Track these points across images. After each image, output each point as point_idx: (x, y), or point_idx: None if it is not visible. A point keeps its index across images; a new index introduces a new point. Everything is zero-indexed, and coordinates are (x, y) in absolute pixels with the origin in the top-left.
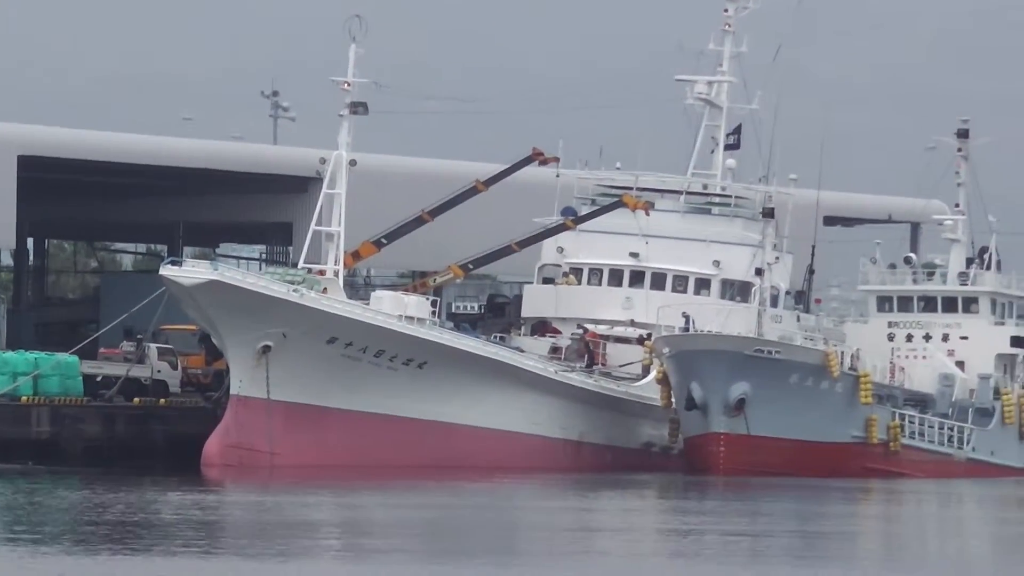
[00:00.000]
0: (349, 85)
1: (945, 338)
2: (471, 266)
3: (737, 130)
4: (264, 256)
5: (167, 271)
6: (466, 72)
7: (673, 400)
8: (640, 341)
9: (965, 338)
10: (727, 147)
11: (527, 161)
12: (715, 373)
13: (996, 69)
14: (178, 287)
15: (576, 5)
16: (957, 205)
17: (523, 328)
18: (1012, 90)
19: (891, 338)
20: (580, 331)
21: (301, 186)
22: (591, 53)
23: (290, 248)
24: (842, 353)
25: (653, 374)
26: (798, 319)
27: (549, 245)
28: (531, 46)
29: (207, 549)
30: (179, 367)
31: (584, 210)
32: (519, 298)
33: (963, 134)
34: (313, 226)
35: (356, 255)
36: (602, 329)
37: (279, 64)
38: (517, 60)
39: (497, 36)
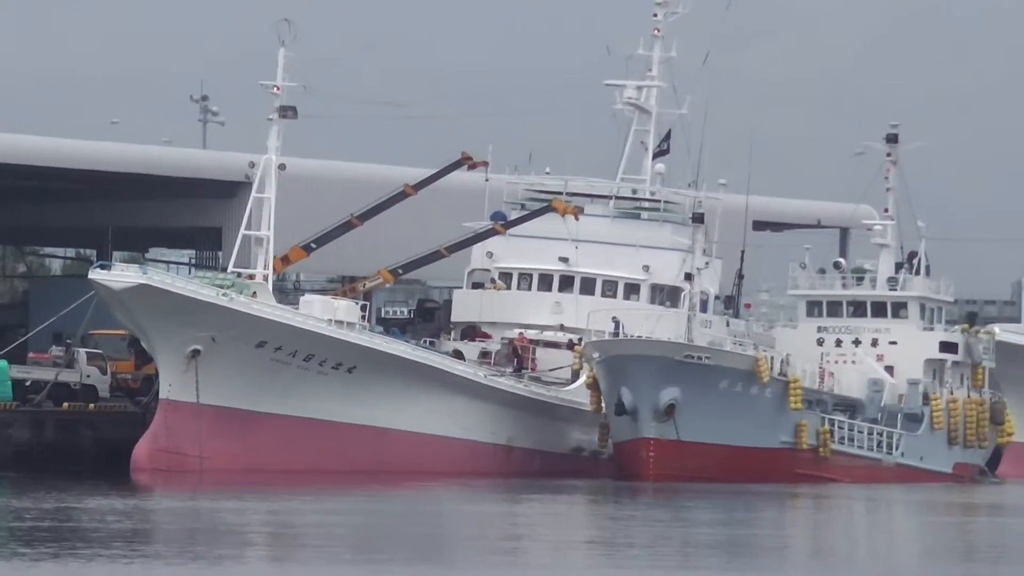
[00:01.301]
0: (278, 89)
1: (874, 343)
2: (401, 271)
3: (666, 135)
4: (193, 261)
5: (96, 275)
6: (396, 76)
7: (603, 405)
8: (570, 346)
9: (894, 343)
10: (656, 152)
11: (456, 165)
12: (645, 378)
13: (926, 69)
14: (107, 291)
15: (507, 10)
16: (886, 210)
17: (453, 333)
18: (942, 89)
19: (820, 343)
20: (510, 336)
21: (230, 191)
22: (521, 58)
23: (219, 252)
24: (772, 358)
25: (583, 379)
26: (728, 324)
27: (478, 250)
28: (461, 51)
29: (134, 554)
30: (108, 371)
31: (514, 215)
32: (449, 303)
33: (892, 139)
34: (242, 230)
35: (285, 259)
36: (532, 334)
37: (208, 68)
38: (447, 65)
39: (428, 41)
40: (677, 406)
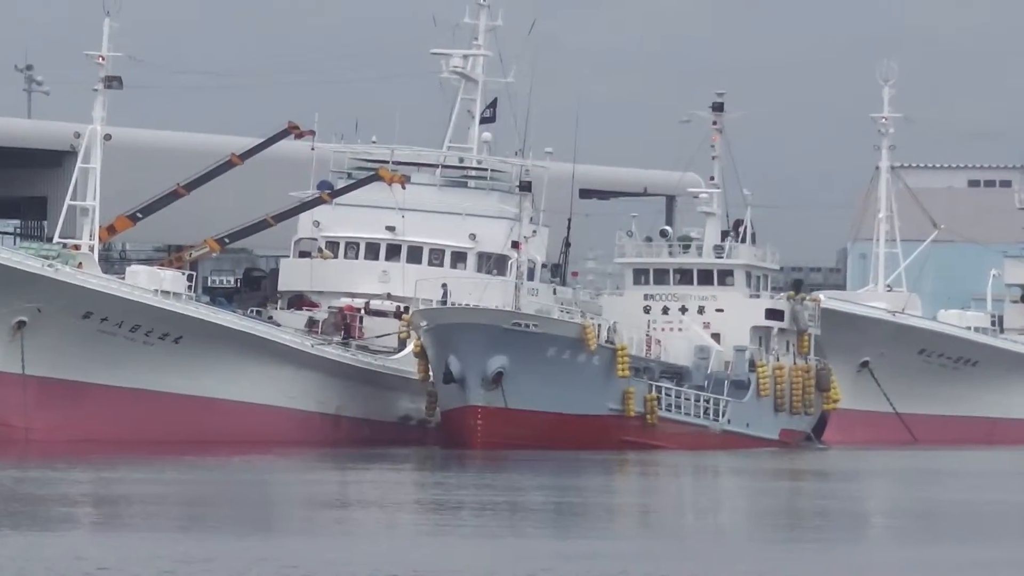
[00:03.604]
0: (103, 59)
1: (701, 310)
2: (227, 240)
3: (493, 103)
4: (18, 231)
5: None
6: (222, 47)
7: (430, 373)
8: (397, 314)
9: (721, 310)
10: (483, 120)
11: (283, 135)
12: (472, 346)
13: (753, 38)
14: None
15: None
16: (712, 178)
17: (280, 302)
18: (767, 59)
19: (647, 311)
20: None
21: (56, 160)
22: (347, 27)
23: (45, 223)
24: (599, 326)
25: (410, 347)
26: (555, 292)
27: (305, 219)
28: (285, 19)
29: None
30: None
31: (340, 184)
32: (276, 272)
33: (718, 107)
34: (68, 200)
35: (111, 229)
36: (359, 302)
37: (33, 37)
38: (273, 34)
39: (254, 10)
40: (505, 374)
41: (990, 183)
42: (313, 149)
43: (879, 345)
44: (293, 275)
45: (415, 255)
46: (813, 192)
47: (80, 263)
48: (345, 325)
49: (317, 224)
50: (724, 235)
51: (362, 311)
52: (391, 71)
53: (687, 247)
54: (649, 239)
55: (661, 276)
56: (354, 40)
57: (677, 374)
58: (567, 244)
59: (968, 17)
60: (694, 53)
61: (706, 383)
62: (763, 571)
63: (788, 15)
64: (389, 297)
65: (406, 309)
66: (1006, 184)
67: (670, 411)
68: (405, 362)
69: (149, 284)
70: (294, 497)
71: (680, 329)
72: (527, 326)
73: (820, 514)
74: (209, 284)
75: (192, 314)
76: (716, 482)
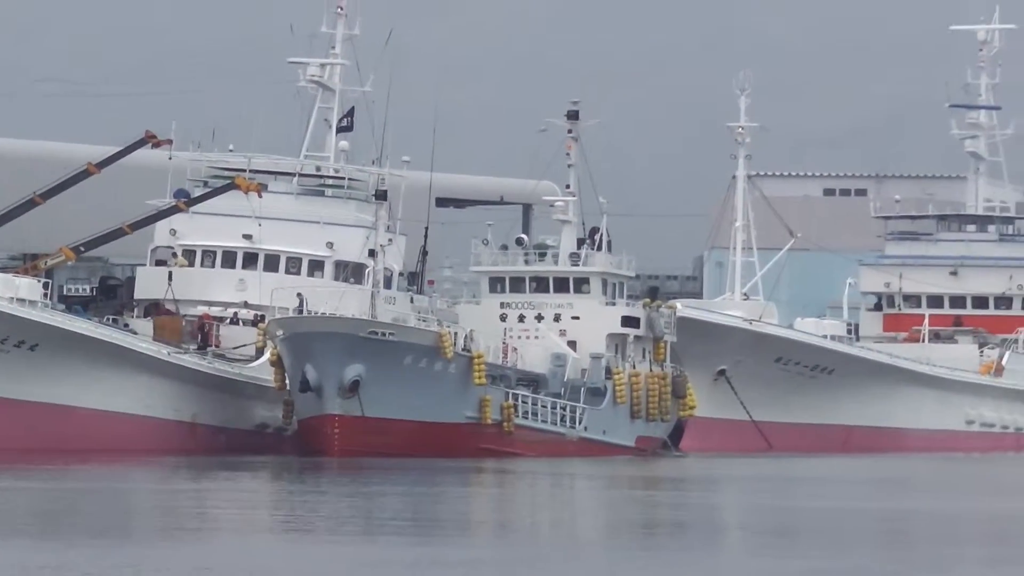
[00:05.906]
0: None
1: (557, 318)
2: (82, 248)
3: (350, 112)
4: None
5: None
6: (79, 55)
7: (287, 382)
8: (254, 323)
9: (577, 318)
10: (340, 129)
11: (140, 143)
12: (329, 355)
13: (605, 47)
14: None
15: None
16: (568, 186)
17: (136, 310)
18: (621, 67)
19: (504, 318)
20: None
21: None
22: (205, 35)
23: None
24: (455, 334)
25: (267, 356)
26: (412, 301)
27: (162, 227)
28: (143, 28)
29: None
30: None
31: (197, 192)
32: (132, 280)
33: (573, 116)
34: None
35: None
36: (216, 311)
37: None
38: (130, 43)
39: (110, 18)
40: (361, 382)
41: (845, 192)
42: (171, 158)
43: (736, 353)
44: (150, 283)
45: (272, 263)
46: (669, 200)
47: None
48: (202, 333)
49: (174, 232)
50: (580, 243)
51: (228, 320)
52: (248, 80)
53: (543, 255)
54: (505, 247)
55: (517, 284)
56: (212, 49)
57: (534, 382)
58: (424, 252)
59: (820, 28)
60: (550, 61)
61: (563, 390)
62: None
63: (642, 19)
64: (246, 305)
65: (263, 318)
66: (861, 193)
67: (527, 419)
68: (262, 370)
69: (4, 292)
70: (148, 506)
71: (536, 337)
72: (383, 334)
73: (675, 522)
74: (65, 292)
75: (48, 322)
76: (572, 490)
